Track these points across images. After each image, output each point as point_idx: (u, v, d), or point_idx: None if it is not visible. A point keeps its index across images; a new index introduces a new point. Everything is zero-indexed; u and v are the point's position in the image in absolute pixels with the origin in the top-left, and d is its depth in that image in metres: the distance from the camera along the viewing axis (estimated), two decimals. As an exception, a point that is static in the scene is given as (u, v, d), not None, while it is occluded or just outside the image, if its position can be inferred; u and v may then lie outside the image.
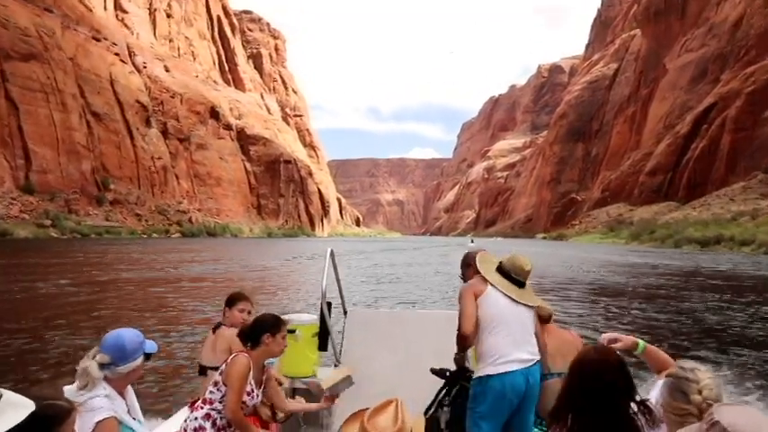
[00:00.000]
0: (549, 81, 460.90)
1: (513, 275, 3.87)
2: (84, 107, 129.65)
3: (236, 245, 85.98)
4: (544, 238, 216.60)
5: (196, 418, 3.31)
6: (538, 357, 3.83)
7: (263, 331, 3.47)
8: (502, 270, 3.90)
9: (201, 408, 3.31)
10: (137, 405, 2.89)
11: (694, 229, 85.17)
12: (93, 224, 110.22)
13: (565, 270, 38.37)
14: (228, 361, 3.35)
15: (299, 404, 4.08)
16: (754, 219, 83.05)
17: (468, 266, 4.15)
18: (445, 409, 4.07)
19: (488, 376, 3.68)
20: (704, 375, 2.01)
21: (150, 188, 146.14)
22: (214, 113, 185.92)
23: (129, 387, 2.87)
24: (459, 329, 3.79)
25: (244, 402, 3.35)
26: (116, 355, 2.68)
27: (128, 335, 2.78)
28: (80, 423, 2.42)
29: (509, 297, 3.80)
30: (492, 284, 3.82)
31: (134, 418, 2.81)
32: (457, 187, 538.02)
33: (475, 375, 3.80)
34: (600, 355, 2.24)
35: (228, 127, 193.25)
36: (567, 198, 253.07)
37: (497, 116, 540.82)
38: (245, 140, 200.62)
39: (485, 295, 3.77)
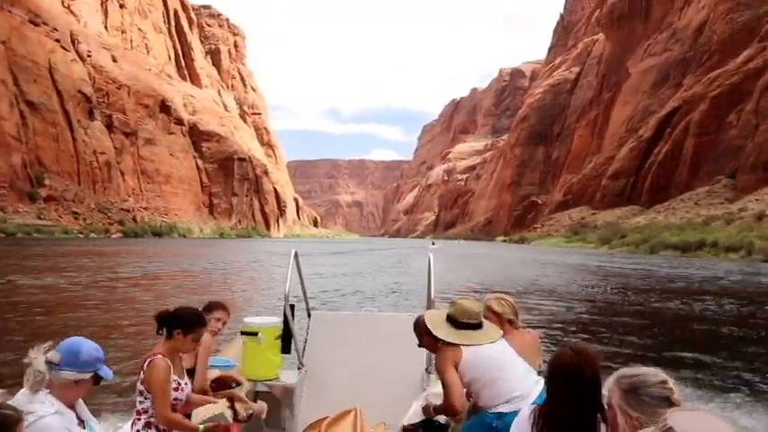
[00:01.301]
0: (510, 85, 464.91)
1: (468, 321, 3.75)
2: (17, 95, 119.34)
3: (177, 246, 78.28)
4: (504, 240, 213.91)
5: (138, 431, 3.27)
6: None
7: (176, 326, 3.31)
8: (456, 322, 3.76)
9: (139, 420, 3.24)
10: (85, 408, 2.87)
11: (670, 233, 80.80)
12: (21, 222, 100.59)
13: (560, 282, 32.82)
14: (145, 367, 3.22)
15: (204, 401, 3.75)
16: (729, 223, 79.39)
17: (422, 336, 3.85)
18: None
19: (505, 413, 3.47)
20: (652, 372, 2.03)
21: (92, 185, 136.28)
22: (164, 107, 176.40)
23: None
24: (448, 403, 3.60)
25: (176, 399, 3.30)
26: (67, 358, 2.62)
27: (87, 346, 2.73)
28: None
29: (481, 345, 3.70)
30: (463, 345, 3.68)
31: (83, 421, 2.78)
32: (417, 189, 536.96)
33: (491, 410, 3.54)
34: (576, 353, 2.42)
35: (180, 122, 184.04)
36: (527, 201, 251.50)
37: (458, 119, 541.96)
38: (197, 137, 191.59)
39: (465, 361, 3.61)
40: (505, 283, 30.22)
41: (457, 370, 3.58)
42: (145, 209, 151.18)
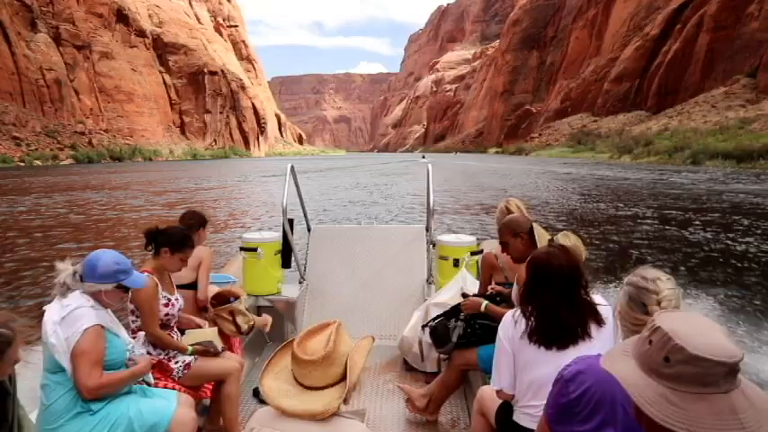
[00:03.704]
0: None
1: None
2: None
3: (128, 175, 66.37)
4: (498, 152, 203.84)
5: (138, 345, 3.29)
6: None
7: (165, 244, 3.36)
8: None
9: (134, 338, 3.26)
10: (117, 322, 2.86)
11: (715, 139, 68.08)
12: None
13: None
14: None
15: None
16: None
17: (516, 236, 3.49)
18: (459, 322, 3.68)
19: None
20: (665, 286, 2.00)
21: (39, 105, 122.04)
22: (122, 17, 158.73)
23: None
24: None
25: (167, 315, 3.39)
26: (86, 271, 2.64)
27: (106, 257, 2.69)
28: (67, 332, 2.49)
29: None
30: None
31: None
32: (404, 102, 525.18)
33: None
34: (548, 251, 2.51)
35: (142, 33, 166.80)
36: (520, 110, 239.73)
37: (445, 27, 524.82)
38: (162, 49, 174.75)
39: None
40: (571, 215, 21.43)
41: None
42: (105, 131, 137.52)
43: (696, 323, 1.27)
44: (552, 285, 2.42)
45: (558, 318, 2.40)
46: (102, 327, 2.60)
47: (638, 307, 1.98)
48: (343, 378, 2.62)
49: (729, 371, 1.17)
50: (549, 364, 2.34)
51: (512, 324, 2.52)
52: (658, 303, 1.96)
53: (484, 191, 33.96)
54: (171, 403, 2.87)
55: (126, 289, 2.76)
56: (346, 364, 2.64)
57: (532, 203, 24.52)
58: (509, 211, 4.08)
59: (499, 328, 2.60)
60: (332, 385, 2.61)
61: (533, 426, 2.34)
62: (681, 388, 1.18)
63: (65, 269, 2.65)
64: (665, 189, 33.29)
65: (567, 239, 3.17)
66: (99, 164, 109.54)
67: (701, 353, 1.17)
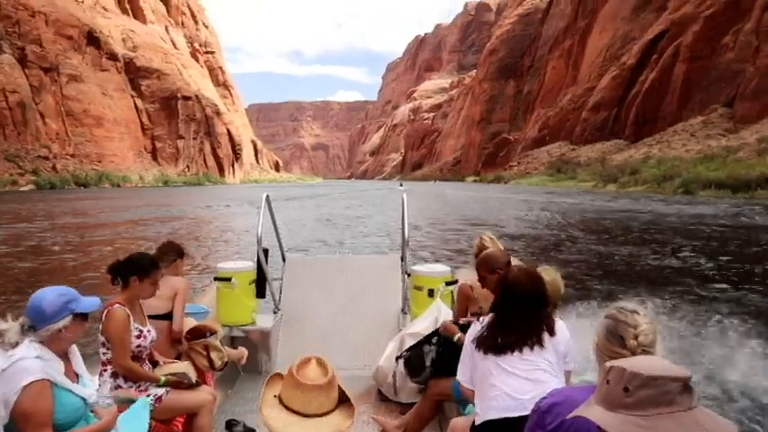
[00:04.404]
0: (475, 20, 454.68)
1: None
2: None
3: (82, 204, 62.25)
4: (476, 180, 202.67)
5: (105, 381, 3.29)
6: None
7: (132, 272, 3.31)
8: None
9: (105, 371, 3.26)
10: (80, 361, 2.74)
11: (705, 167, 65.74)
12: None
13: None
14: (104, 318, 3.22)
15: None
16: (760, 155, 65.35)
17: (494, 272, 3.61)
18: (433, 347, 3.88)
19: None
20: (642, 320, 2.01)
21: (1, 129, 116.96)
22: (93, 40, 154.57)
23: (74, 346, 2.70)
24: None
25: (139, 347, 3.32)
26: (35, 318, 2.46)
27: (49, 296, 2.50)
28: (5, 387, 2.29)
29: None
30: None
31: (78, 375, 2.67)
32: (382, 130, 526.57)
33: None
34: (519, 272, 2.87)
35: (114, 57, 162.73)
36: (498, 138, 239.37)
37: (423, 56, 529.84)
38: (134, 73, 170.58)
39: None
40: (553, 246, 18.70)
41: None
42: (71, 156, 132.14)
43: (644, 358, 1.38)
44: (514, 304, 2.75)
45: (508, 330, 2.74)
46: (50, 381, 2.39)
47: (616, 340, 2.00)
48: (341, 401, 2.62)
49: (684, 387, 1.23)
50: (489, 367, 2.73)
51: (475, 328, 2.88)
52: (635, 337, 1.97)
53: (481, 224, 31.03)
54: None
55: (85, 317, 2.60)
56: (339, 387, 2.66)
57: (529, 235, 21.55)
58: (484, 246, 4.15)
59: (468, 331, 2.93)
60: (333, 410, 2.61)
61: (498, 415, 2.65)
62: (647, 413, 1.23)
63: (9, 327, 2.44)
64: (686, 223, 30.52)
65: (546, 275, 3.19)
66: (62, 190, 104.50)
67: (655, 372, 1.24)
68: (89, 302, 2.58)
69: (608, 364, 1.35)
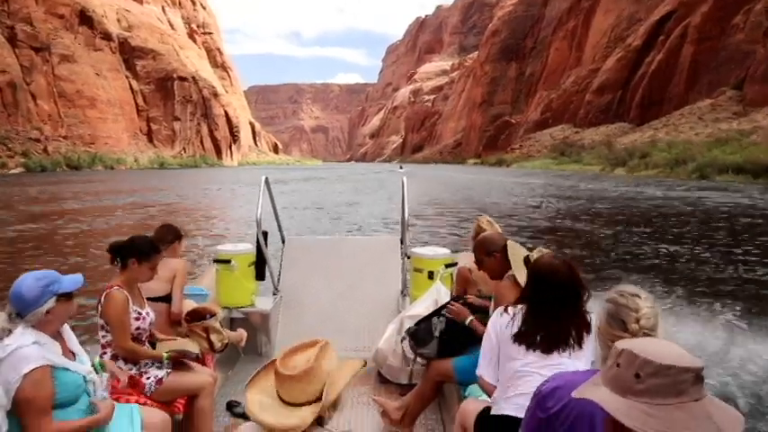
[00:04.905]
0: (477, 1, 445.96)
1: None
2: None
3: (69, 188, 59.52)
4: (477, 163, 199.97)
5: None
6: None
7: (131, 255, 3.34)
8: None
9: (105, 353, 3.27)
10: (74, 339, 2.73)
11: (721, 151, 62.78)
12: None
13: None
14: (102, 300, 3.23)
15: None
16: None
17: (490, 255, 3.60)
18: (441, 318, 3.82)
19: None
20: (644, 304, 2.00)
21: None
22: (86, 19, 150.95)
23: (65, 325, 2.69)
24: None
25: (138, 329, 3.34)
26: (18, 305, 2.47)
27: (27, 281, 2.50)
28: (6, 377, 2.34)
29: None
30: None
31: (73, 353, 2.68)
32: (382, 112, 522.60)
33: None
34: (550, 260, 2.67)
35: (107, 37, 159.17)
36: (499, 121, 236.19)
37: (423, 38, 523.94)
38: (129, 54, 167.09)
39: None
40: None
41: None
42: (64, 138, 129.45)
43: (656, 342, 1.34)
44: (552, 294, 2.57)
45: (548, 324, 2.56)
46: (50, 367, 2.44)
47: (618, 324, 1.99)
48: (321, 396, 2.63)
49: (696, 377, 1.22)
50: (532, 364, 2.56)
51: (502, 319, 2.68)
52: (637, 321, 1.97)
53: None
54: None
55: (70, 296, 2.58)
56: (327, 380, 2.66)
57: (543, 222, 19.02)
58: (482, 229, 4.22)
59: (490, 320, 2.76)
60: (311, 402, 2.63)
61: (516, 414, 2.45)
62: (657, 401, 1.22)
63: None
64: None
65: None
66: (53, 173, 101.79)
67: (669, 362, 1.23)
68: (71, 281, 2.56)
69: (619, 345, 1.34)
